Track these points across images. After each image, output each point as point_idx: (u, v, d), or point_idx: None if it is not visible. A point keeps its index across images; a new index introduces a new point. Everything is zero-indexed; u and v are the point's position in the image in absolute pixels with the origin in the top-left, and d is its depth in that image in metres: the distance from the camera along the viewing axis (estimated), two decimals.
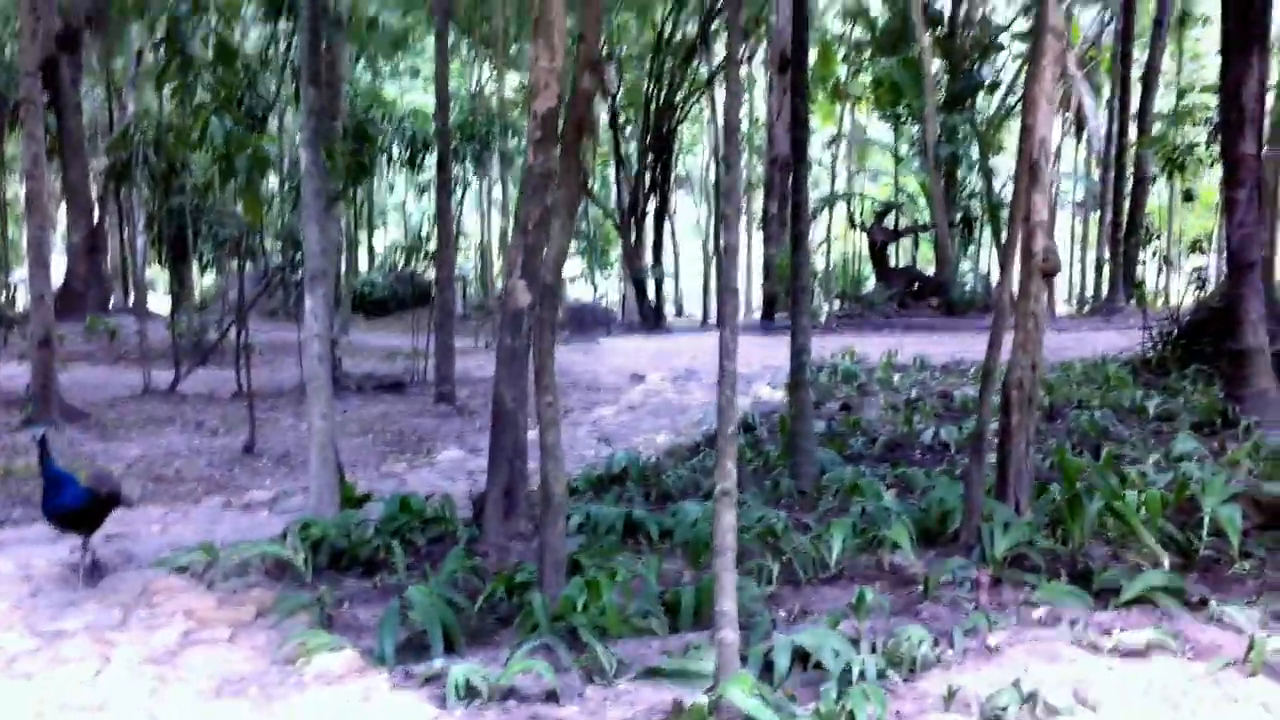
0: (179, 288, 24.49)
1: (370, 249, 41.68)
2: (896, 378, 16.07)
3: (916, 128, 33.38)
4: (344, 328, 23.77)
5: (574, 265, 37.40)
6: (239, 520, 8.90)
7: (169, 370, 17.79)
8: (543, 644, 5.57)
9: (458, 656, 5.60)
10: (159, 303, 30.93)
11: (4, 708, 5.16)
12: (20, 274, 29.68)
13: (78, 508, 7.00)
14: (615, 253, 38.61)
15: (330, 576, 7.07)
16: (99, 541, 7.71)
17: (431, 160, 19.95)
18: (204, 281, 30.60)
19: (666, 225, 37.47)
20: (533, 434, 7.27)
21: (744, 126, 38.78)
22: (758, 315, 33.64)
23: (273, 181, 20.53)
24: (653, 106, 33.37)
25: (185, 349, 19.02)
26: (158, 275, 32.88)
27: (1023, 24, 34.01)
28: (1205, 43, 34.81)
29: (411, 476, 10.87)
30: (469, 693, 5.13)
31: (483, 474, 8.67)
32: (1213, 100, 21.73)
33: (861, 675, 4.92)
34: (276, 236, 20.95)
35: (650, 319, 32.93)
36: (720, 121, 33.09)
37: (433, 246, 20.39)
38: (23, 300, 27.23)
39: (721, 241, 5.78)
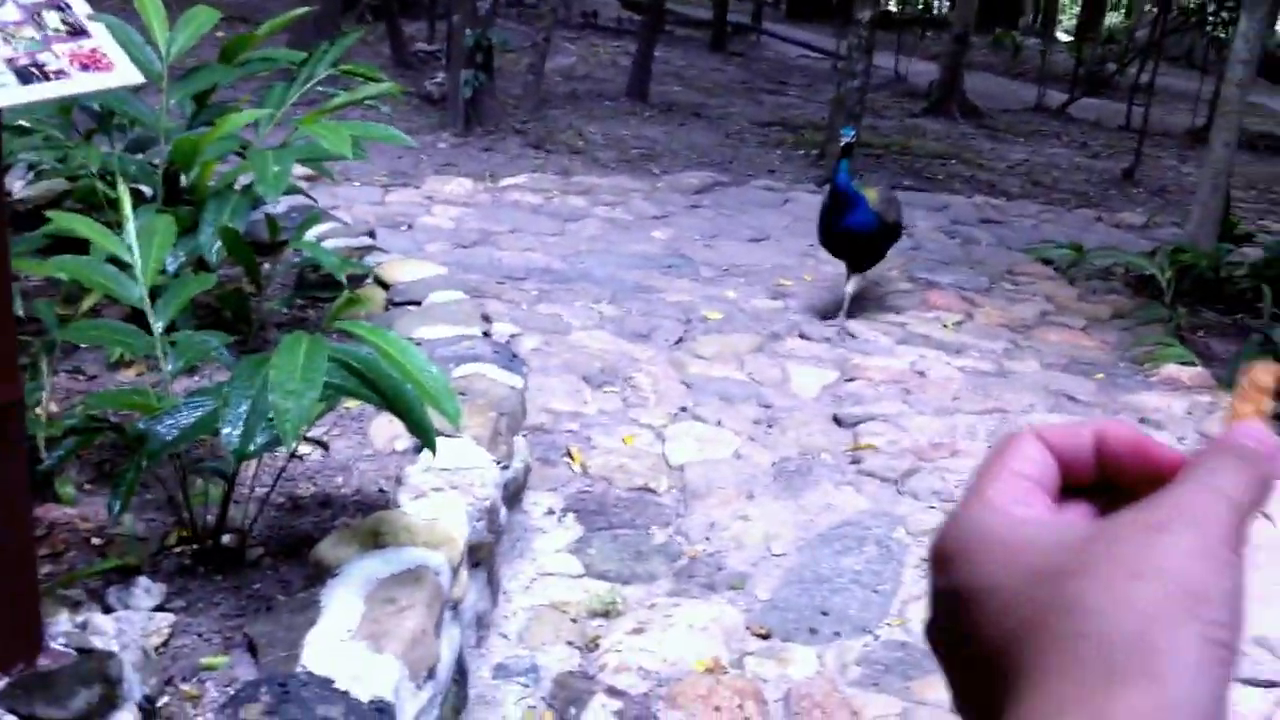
0: (1088, 18, 24.12)
1: None
2: None
3: None
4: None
5: None
6: (1108, 234, 8.95)
7: (1062, 92, 17.87)
8: None
9: None
10: (1063, 34, 30.75)
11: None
12: None
13: (865, 233, 5.80)
14: None
15: (1189, 304, 6.93)
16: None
17: None
18: (1113, 17, 29.79)
19: None
20: None
21: None
22: None
23: None
24: None
25: (1082, 76, 18.90)
26: (1069, 4, 32.58)
27: None
28: None
29: None
30: None
31: None
32: None
33: None
34: None
35: None
36: None
37: None
38: (938, 7, 28.43)
39: None
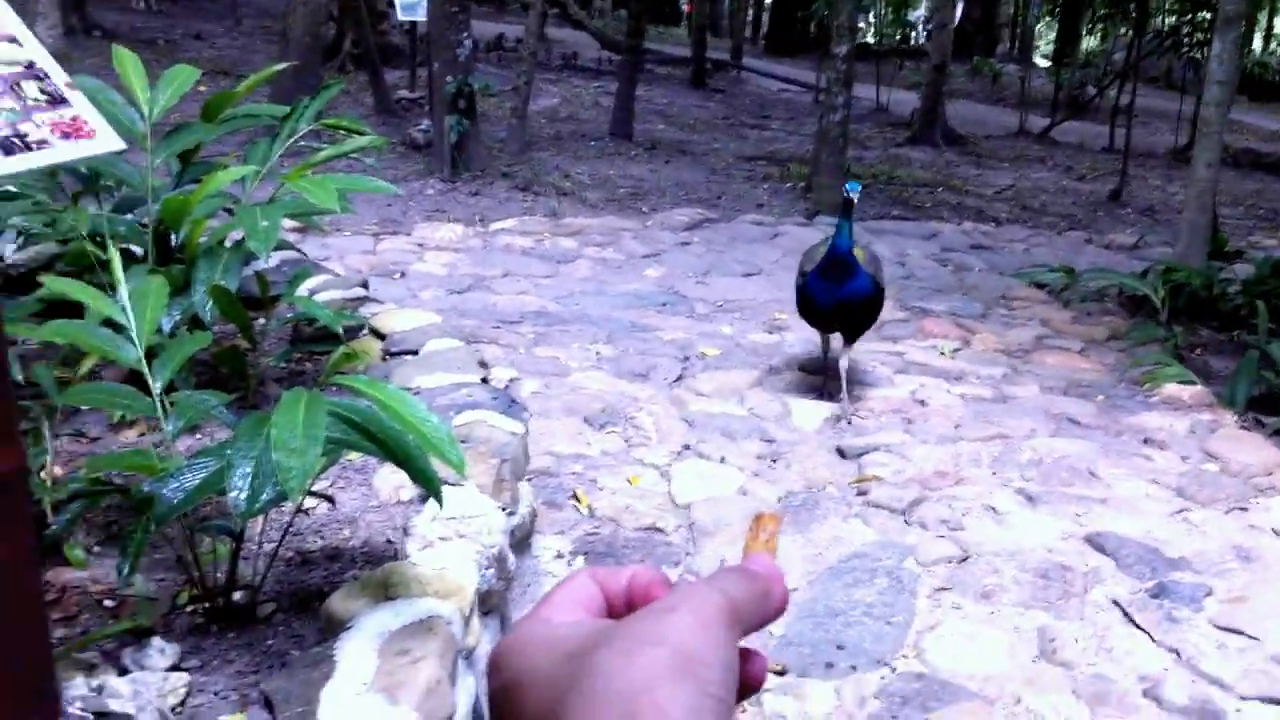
0: (1064, 43, 24.32)
1: (1268, 30, 38.02)
2: None
3: None
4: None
5: None
6: (1098, 255, 8.97)
7: (1044, 117, 17.99)
8: None
9: None
10: (1041, 59, 30.99)
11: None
12: (919, 12, 31.12)
13: (863, 300, 4.97)
14: None
15: (1184, 322, 6.94)
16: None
17: None
18: (1089, 42, 30.02)
19: None
20: None
21: None
22: None
23: None
24: None
25: (1062, 100, 19.02)
26: (1044, 31, 32.86)
27: None
28: None
29: None
30: None
31: None
32: None
33: None
34: None
35: None
36: None
37: None
38: (915, 37, 28.63)
39: None
